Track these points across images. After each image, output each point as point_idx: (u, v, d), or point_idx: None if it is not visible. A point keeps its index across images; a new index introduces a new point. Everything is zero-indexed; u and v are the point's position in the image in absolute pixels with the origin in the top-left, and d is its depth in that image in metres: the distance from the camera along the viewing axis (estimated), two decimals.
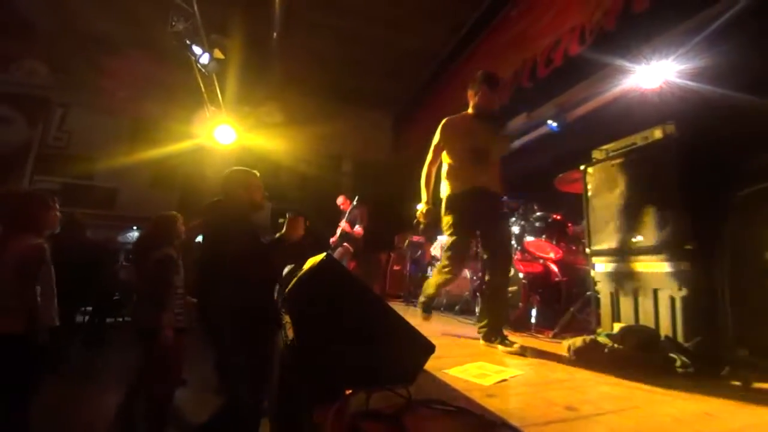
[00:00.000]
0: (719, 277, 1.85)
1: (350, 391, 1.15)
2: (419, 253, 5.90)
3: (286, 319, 1.43)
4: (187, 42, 4.69)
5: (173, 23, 4.55)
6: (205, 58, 4.85)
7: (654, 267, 2.27)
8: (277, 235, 2.22)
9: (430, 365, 1.65)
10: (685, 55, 3.14)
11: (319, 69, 6.83)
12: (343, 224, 5.34)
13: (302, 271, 1.37)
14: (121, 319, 6.79)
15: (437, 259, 5.13)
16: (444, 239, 5.23)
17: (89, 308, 6.11)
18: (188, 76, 5.46)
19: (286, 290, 1.54)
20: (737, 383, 1.69)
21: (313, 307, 1.20)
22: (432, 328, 3.12)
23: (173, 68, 6.20)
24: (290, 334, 1.38)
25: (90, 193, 8.32)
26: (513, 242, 3.86)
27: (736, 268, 1.78)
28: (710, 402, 1.47)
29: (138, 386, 2.52)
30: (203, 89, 5.61)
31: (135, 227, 10.16)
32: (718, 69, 2.82)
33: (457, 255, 2.59)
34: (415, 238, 5.93)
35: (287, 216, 2.24)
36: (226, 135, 6.12)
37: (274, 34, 5.67)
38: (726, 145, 1.98)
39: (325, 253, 1.27)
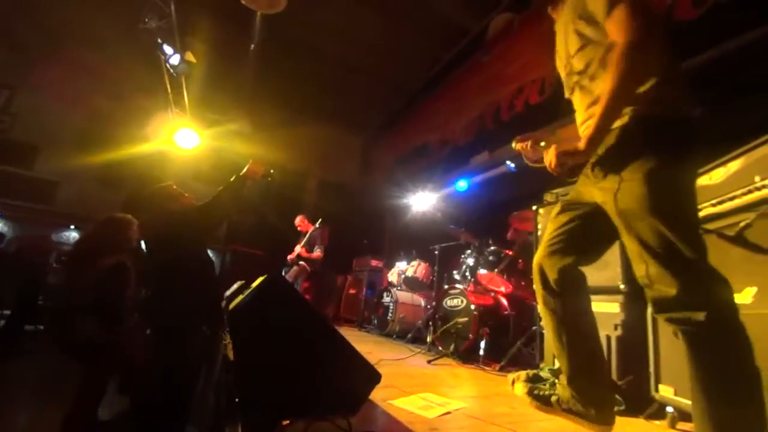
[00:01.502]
0: (648, 320, 2.00)
1: (287, 422, 1.09)
2: (376, 277, 5.88)
3: (227, 339, 1.35)
4: (159, 41, 4.54)
5: (146, 20, 4.41)
6: (175, 59, 4.70)
7: (594, 306, 2.40)
8: (240, 173, 2.18)
9: (376, 395, 1.62)
10: None
11: (292, 85, 6.83)
12: (299, 248, 5.20)
13: (249, 290, 1.32)
14: (42, 327, 6.10)
15: (393, 285, 5.14)
16: (402, 265, 5.29)
17: (6, 312, 5.47)
18: (153, 75, 5.25)
19: (230, 308, 1.47)
20: (662, 422, 1.80)
21: (256, 329, 1.15)
22: (380, 355, 3.08)
23: (138, 65, 5.95)
24: (230, 355, 1.30)
25: (28, 185, 7.59)
26: (467, 274, 3.97)
27: None
28: None
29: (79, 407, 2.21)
30: (169, 90, 5.41)
31: (73, 226, 9.34)
32: None
33: None
34: (373, 263, 5.91)
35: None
36: (188, 139, 5.88)
37: (252, 45, 5.64)
38: None
39: (272, 273, 1.23)
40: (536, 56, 4.21)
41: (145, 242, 2.20)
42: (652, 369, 1.93)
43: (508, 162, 4.56)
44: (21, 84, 7.27)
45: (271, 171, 2.36)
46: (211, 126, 6.53)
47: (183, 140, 5.84)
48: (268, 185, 2.56)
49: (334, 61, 6.28)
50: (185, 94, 5.46)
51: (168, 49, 4.60)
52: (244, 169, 2.24)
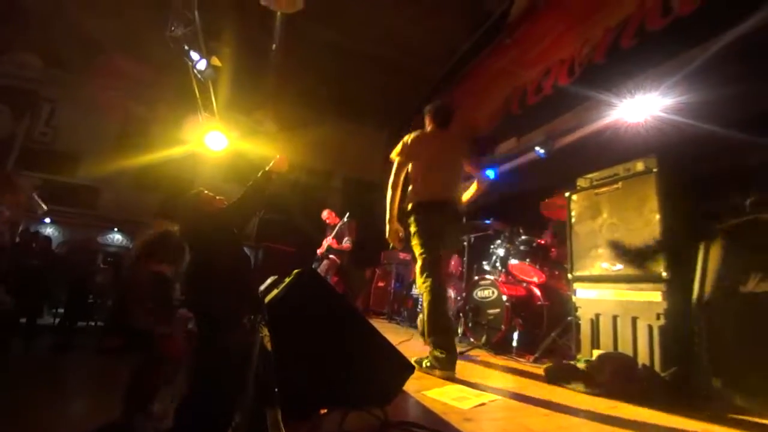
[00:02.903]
0: (696, 308, 1.89)
1: (325, 411, 1.12)
2: (405, 270, 5.89)
3: (264, 331, 1.40)
4: (185, 47, 4.70)
5: (173, 28, 4.57)
6: (202, 65, 4.86)
7: (633, 295, 2.30)
8: (266, 168, 2.33)
9: (409, 386, 1.63)
10: (668, 91, 3.28)
11: (315, 82, 6.90)
12: (330, 240, 5.31)
13: (283, 284, 1.35)
14: (93, 324, 6.53)
15: None
16: None
17: (60, 310, 5.90)
18: (182, 81, 5.45)
19: (266, 301, 1.52)
20: (710, 414, 1.71)
21: (292, 321, 1.18)
22: (412, 346, 3.09)
23: (167, 72, 6.19)
24: (267, 345, 1.34)
25: (72, 192, 8.13)
26: (497, 264, 3.89)
27: (713, 300, 1.82)
28: None
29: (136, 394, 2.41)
30: (198, 95, 5.60)
31: (116, 229, 9.92)
32: (697, 106, 2.95)
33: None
34: (402, 256, 5.92)
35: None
36: (218, 141, 6.08)
37: (273, 45, 5.73)
38: (705, 180, 2.05)
39: (306, 267, 1.25)
40: (563, 35, 4.03)
41: (186, 246, 2.35)
42: (700, 359, 1.82)
43: (537, 148, 4.46)
44: (62, 97, 7.72)
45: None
46: (238, 128, 6.71)
47: (212, 142, 6.04)
48: (295, 179, 2.71)
49: (354, 56, 6.29)
50: (213, 97, 5.63)
51: (194, 55, 4.76)
52: (271, 164, 2.37)
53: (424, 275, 2.31)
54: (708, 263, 1.88)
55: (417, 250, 2.37)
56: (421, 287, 2.34)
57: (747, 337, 1.62)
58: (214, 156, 6.59)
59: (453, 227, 2.50)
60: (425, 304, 2.29)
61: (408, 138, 2.52)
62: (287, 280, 1.29)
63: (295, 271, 1.26)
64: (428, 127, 2.69)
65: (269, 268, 2.40)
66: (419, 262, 2.36)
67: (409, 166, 2.53)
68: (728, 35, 2.80)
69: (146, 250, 2.72)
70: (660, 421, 1.62)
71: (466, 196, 2.75)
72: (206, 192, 2.40)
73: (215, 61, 5.04)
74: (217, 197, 2.40)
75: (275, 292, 1.39)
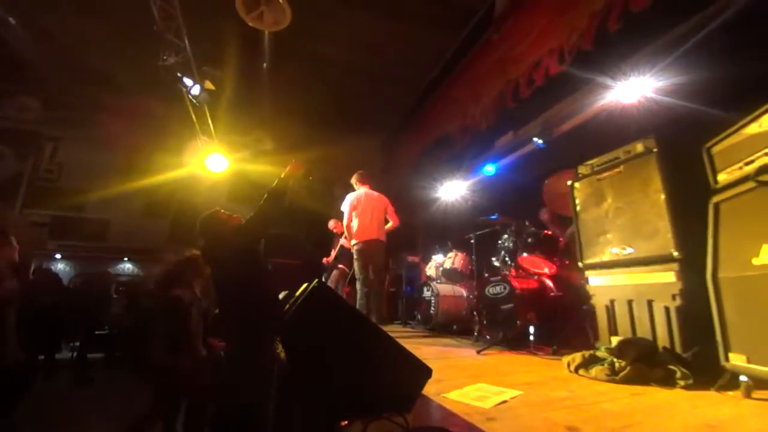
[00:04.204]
0: (710, 285, 1.86)
1: (345, 423, 1.12)
2: (414, 273, 5.87)
3: (279, 347, 1.41)
4: (178, 75, 4.78)
5: (164, 58, 4.66)
6: (196, 90, 4.94)
7: (646, 278, 2.28)
8: (282, 175, 2.31)
9: (429, 390, 1.62)
10: (661, 71, 3.26)
11: (306, 96, 6.96)
12: (342, 242, 5.31)
13: (294, 299, 1.36)
14: (110, 354, 6.59)
15: (432, 279, 5.11)
16: (439, 258, 5.26)
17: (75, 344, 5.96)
18: (180, 108, 5.53)
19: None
20: (736, 393, 1.68)
21: (305, 334, 1.18)
22: (429, 350, 3.07)
23: (165, 100, 6.28)
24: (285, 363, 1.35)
25: (81, 226, 8.26)
26: (507, 259, 3.88)
27: (727, 275, 1.80)
28: (710, 414, 1.46)
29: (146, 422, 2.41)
30: (195, 120, 5.68)
31: (126, 258, 10.02)
32: (691, 85, 2.93)
33: None
34: (410, 259, 5.91)
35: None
36: (218, 163, 6.16)
37: (264, 65, 5.80)
38: (701, 157, 2.04)
39: (316, 280, 1.26)
40: (551, 25, 4.03)
41: (209, 267, 2.34)
42: (719, 337, 1.79)
43: (535, 139, 4.45)
44: (64, 135, 7.86)
45: (310, 178, 2.56)
46: (238, 149, 6.79)
47: (213, 165, 6.12)
48: (308, 184, 2.67)
49: (343, 68, 6.33)
50: (209, 120, 5.71)
51: (188, 82, 4.84)
52: (286, 170, 2.35)
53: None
54: (718, 238, 1.86)
55: None
56: None
57: (765, 310, 1.59)
58: (216, 177, 6.66)
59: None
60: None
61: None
62: (297, 294, 1.30)
63: (304, 285, 1.27)
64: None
65: (279, 284, 2.39)
66: None
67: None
68: (711, 9, 2.80)
69: (165, 278, 2.75)
70: (685, 405, 1.60)
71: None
72: (222, 210, 2.41)
73: (208, 85, 5.12)
74: (234, 215, 2.40)
75: (287, 307, 1.40)
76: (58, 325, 5.39)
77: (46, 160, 8.00)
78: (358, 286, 4.21)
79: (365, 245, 4.19)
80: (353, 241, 4.25)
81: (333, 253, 5.38)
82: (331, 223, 5.69)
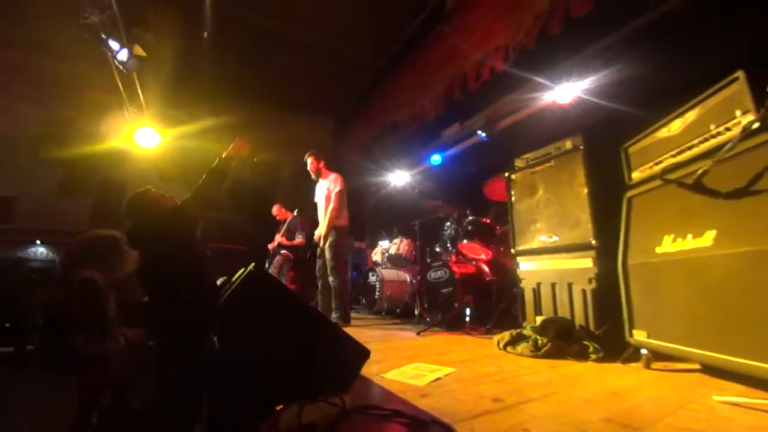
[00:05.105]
0: (620, 270, 2.11)
1: (281, 407, 1.11)
2: (361, 259, 5.91)
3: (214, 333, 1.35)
4: (103, 36, 4.25)
5: (86, 15, 4.10)
6: (123, 55, 4.42)
7: (568, 263, 2.52)
8: (223, 154, 2.11)
9: (368, 371, 1.66)
10: (591, 74, 3.55)
11: (253, 73, 6.58)
12: (279, 237, 5.16)
13: (232, 284, 1.31)
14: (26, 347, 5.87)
15: (378, 264, 5.19)
16: (385, 244, 5.34)
17: None
18: (104, 74, 4.94)
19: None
20: (638, 364, 1.94)
21: (239, 321, 1.15)
22: (372, 333, 3.14)
23: (86, 65, 5.58)
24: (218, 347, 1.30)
25: None
26: (448, 245, 4.04)
27: (634, 262, 2.04)
28: (615, 383, 1.67)
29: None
30: (122, 89, 5.11)
31: (39, 242, 8.88)
32: (616, 87, 3.23)
33: None
34: (357, 244, 5.93)
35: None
36: (149, 138, 5.62)
37: (205, 33, 5.36)
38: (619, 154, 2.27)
39: (252, 264, 1.22)
40: (495, 24, 4.18)
41: (137, 250, 2.10)
42: (626, 316, 2.04)
43: (479, 132, 4.64)
44: None
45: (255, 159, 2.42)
46: (173, 123, 6.25)
47: (143, 140, 5.58)
48: (254, 165, 2.47)
49: (294, 46, 6.06)
50: (139, 91, 5.18)
51: (114, 45, 4.32)
52: (229, 148, 2.16)
53: None
54: (629, 228, 2.10)
55: None
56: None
57: (663, 293, 1.84)
58: (147, 154, 6.09)
59: None
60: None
61: None
62: (233, 280, 1.25)
63: (241, 270, 1.23)
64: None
65: (220, 270, 2.25)
66: None
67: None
68: (639, 20, 3.08)
69: (74, 257, 2.46)
70: (595, 375, 1.82)
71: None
72: (154, 190, 2.18)
73: (138, 50, 4.60)
74: (167, 195, 2.19)
75: (222, 293, 1.35)
76: None
77: None
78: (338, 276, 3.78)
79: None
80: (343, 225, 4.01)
81: (277, 239, 5.22)
82: (275, 209, 5.51)
